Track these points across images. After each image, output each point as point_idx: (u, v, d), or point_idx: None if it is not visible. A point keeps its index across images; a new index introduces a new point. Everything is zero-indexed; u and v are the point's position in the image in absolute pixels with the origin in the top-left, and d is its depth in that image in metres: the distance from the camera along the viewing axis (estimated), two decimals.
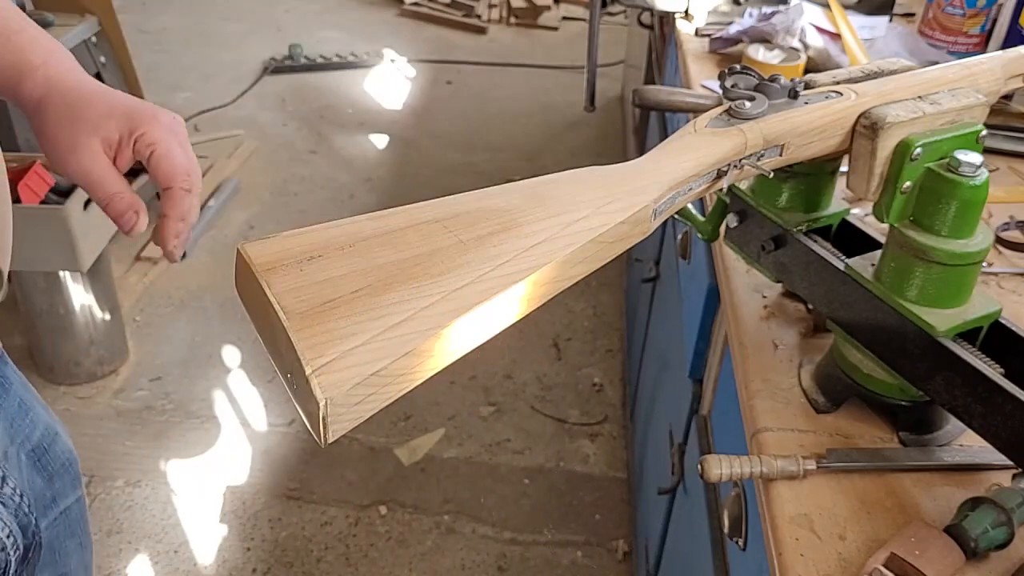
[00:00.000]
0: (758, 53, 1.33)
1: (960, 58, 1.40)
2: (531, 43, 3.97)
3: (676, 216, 0.98)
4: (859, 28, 1.40)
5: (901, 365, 0.69)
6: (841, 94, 0.66)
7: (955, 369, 0.65)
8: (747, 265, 0.92)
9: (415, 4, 4.19)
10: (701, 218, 0.92)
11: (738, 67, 0.68)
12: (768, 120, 0.63)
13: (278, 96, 3.35)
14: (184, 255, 0.73)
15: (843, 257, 0.73)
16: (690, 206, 0.95)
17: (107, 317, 1.95)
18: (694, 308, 1.14)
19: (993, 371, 0.63)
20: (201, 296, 2.29)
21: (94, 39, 2.14)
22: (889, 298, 0.69)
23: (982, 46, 1.41)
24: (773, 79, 0.65)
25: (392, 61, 3.69)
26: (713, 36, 1.41)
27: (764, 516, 0.67)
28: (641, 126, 2.41)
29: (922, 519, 0.64)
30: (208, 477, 1.77)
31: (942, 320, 0.67)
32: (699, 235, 0.92)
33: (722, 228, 0.91)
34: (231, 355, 2.11)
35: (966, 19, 1.38)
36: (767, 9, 1.39)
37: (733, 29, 1.36)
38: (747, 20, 1.37)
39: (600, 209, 0.53)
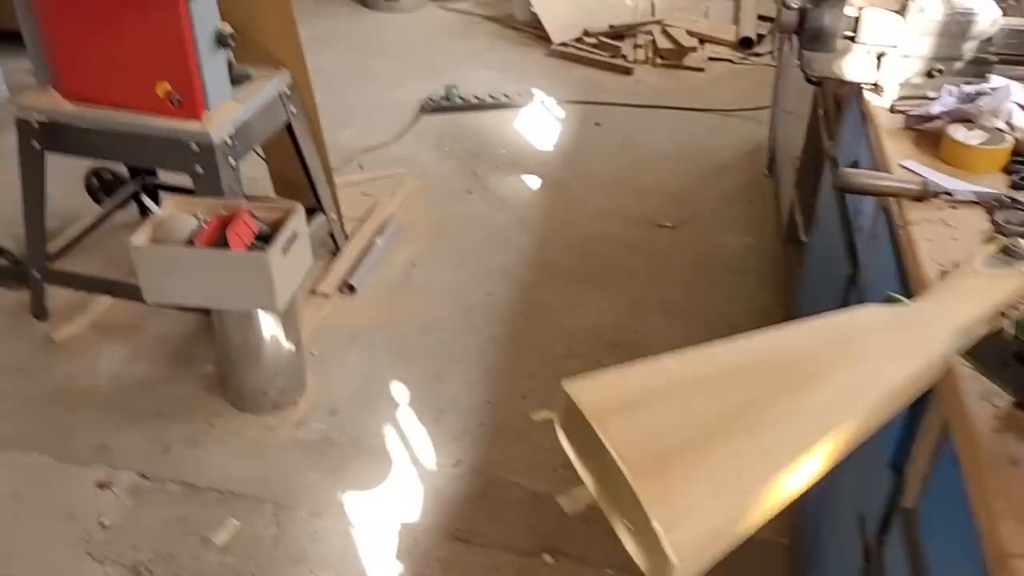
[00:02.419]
0: (958, 133, 1.32)
1: None
2: (677, 84, 3.99)
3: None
4: None
5: None
6: None
7: None
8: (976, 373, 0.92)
9: (563, 45, 4.28)
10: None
11: (1006, 198, 0.69)
12: None
13: (435, 135, 3.50)
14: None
15: None
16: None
17: (291, 350, 2.10)
18: None
19: None
20: (370, 332, 2.42)
21: (288, 91, 2.31)
22: None
23: None
24: None
25: (542, 102, 3.78)
26: (910, 113, 1.41)
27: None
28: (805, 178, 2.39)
29: None
30: (383, 512, 1.87)
31: None
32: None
33: None
34: (400, 392, 2.22)
35: None
36: (969, 88, 1.37)
37: (935, 108, 1.35)
38: (948, 99, 1.36)
39: (896, 360, 0.56)
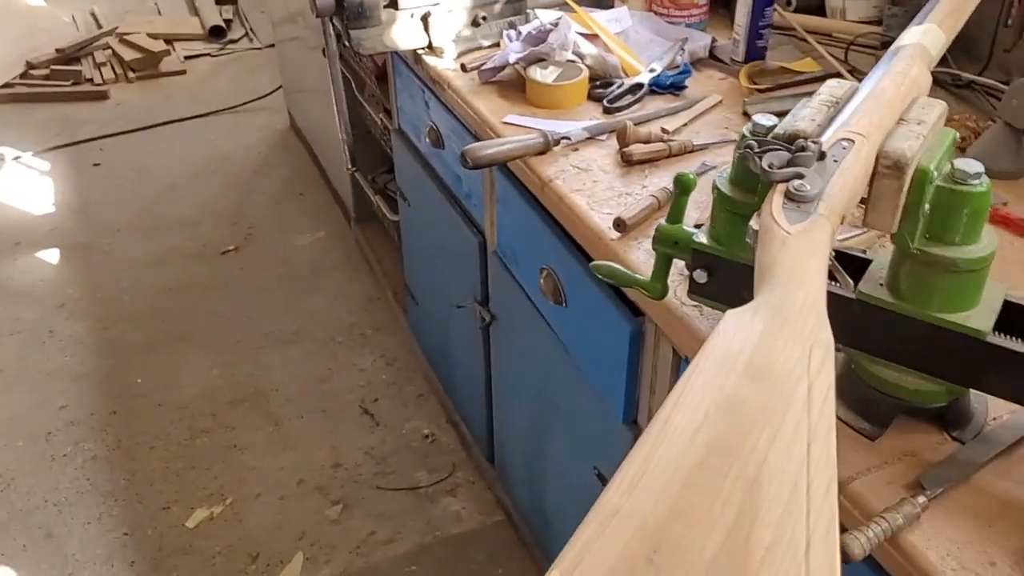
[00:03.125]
0: (537, 74, 1.31)
1: (699, 28, 1.50)
2: (164, 94, 3.58)
3: (610, 282, 0.93)
4: (606, 24, 1.43)
5: (951, 373, 0.72)
6: (853, 142, 0.64)
7: (1010, 362, 0.69)
8: (707, 311, 0.90)
9: (7, 87, 3.55)
10: (643, 278, 0.88)
11: (755, 145, 0.63)
12: (831, 195, 0.60)
13: None
14: None
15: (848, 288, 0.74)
16: (622, 267, 0.91)
17: None
18: (607, 355, 1.10)
19: None
20: None
21: None
22: (923, 315, 0.71)
23: (709, 10, 1.51)
24: (801, 147, 0.62)
25: (15, 159, 3.11)
26: (482, 68, 1.35)
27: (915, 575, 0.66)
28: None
29: None
30: None
31: (981, 321, 0.70)
32: (647, 294, 0.88)
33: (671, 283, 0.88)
34: None
35: None
36: (528, 28, 1.36)
37: (511, 57, 1.31)
38: (515, 45, 1.34)
39: (809, 371, 0.47)
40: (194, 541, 1.77)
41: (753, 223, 0.60)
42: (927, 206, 0.67)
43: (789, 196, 0.60)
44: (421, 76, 1.54)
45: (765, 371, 0.47)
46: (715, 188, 0.79)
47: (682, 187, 0.83)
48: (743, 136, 0.72)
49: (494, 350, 1.58)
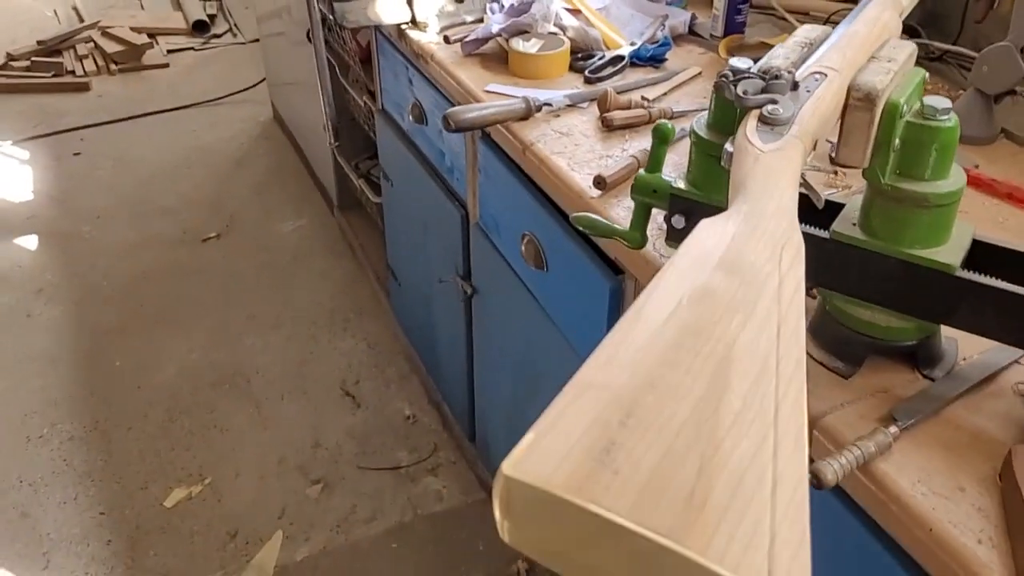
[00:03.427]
0: (519, 45, 1.32)
1: (680, 6, 1.51)
2: (147, 87, 3.57)
3: (590, 233, 0.94)
4: (589, 0, 1.45)
5: (921, 309, 0.73)
6: (825, 75, 0.66)
7: (979, 296, 0.70)
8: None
9: None
10: (621, 228, 0.89)
11: (730, 74, 0.65)
12: (803, 119, 0.61)
13: None
14: None
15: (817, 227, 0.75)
16: (601, 218, 0.92)
17: None
18: (588, 315, 1.12)
19: (1015, 286, 0.69)
20: None
21: None
22: (895, 251, 0.72)
23: None
24: (775, 76, 0.63)
25: None
26: (465, 40, 1.37)
27: (890, 502, 0.67)
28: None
29: (1017, 441, 0.69)
30: None
31: (951, 256, 0.71)
32: (626, 244, 0.89)
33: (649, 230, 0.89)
34: None
35: None
36: (512, 1, 1.37)
37: (493, 28, 1.32)
38: (498, 17, 1.35)
39: (780, 268, 0.48)
40: (172, 520, 1.76)
41: (728, 146, 0.61)
42: (897, 141, 0.69)
43: (763, 120, 0.61)
44: (404, 52, 1.55)
45: (737, 265, 0.48)
46: (692, 132, 0.81)
47: (661, 136, 0.85)
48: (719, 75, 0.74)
49: (476, 324, 1.59)
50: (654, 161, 0.85)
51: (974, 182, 1.02)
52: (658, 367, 0.41)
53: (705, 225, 0.52)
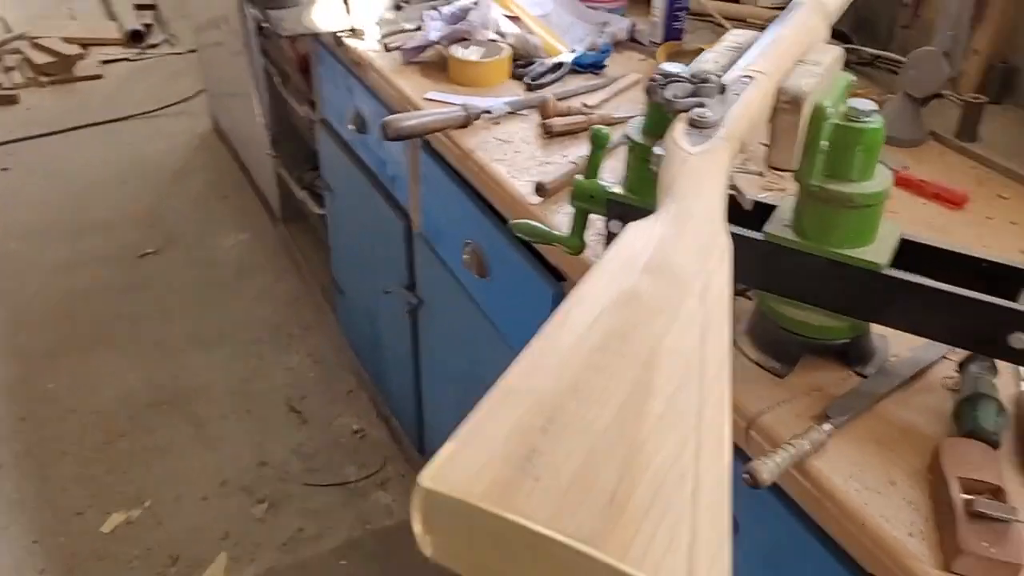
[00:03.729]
0: (459, 52, 1.32)
1: (619, 14, 1.52)
2: (79, 99, 3.48)
3: (529, 240, 0.93)
4: (528, 7, 1.45)
5: (852, 308, 0.74)
6: (752, 78, 0.66)
7: (907, 294, 0.71)
8: None
9: None
10: (560, 234, 0.89)
11: (660, 78, 0.65)
12: (731, 121, 0.61)
13: None
14: None
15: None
16: (541, 225, 0.92)
17: None
18: (532, 322, 1.10)
19: (942, 284, 0.70)
20: None
21: None
22: (825, 251, 0.73)
23: None
24: (703, 79, 0.64)
25: None
26: (404, 47, 1.36)
27: (825, 499, 0.68)
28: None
29: (945, 435, 0.70)
30: None
31: (878, 255, 0.73)
32: (566, 250, 0.89)
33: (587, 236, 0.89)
34: None
35: None
36: (451, 9, 1.36)
37: (431, 35, 1.31)
38: (437, 23, 1.34)
39: (706, 269, 0.48)
40: (109, 546, 1.71)
41: (657, 149, 0.61)
42: (825, 143, 0.70)
43: (691, 123, 0.61)
44: (343, 60, 1.53)
45: (663, 268, 0.47)
46: (627, 138, 0.81)
47: (597, 141, 0.85)
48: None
49: (422, 334, 1.57)
50: (591, 167, 0.85)
51: (903, 183, 1.04)
52: (582, 371, 0.41)
53: (633, 227, 0.52)
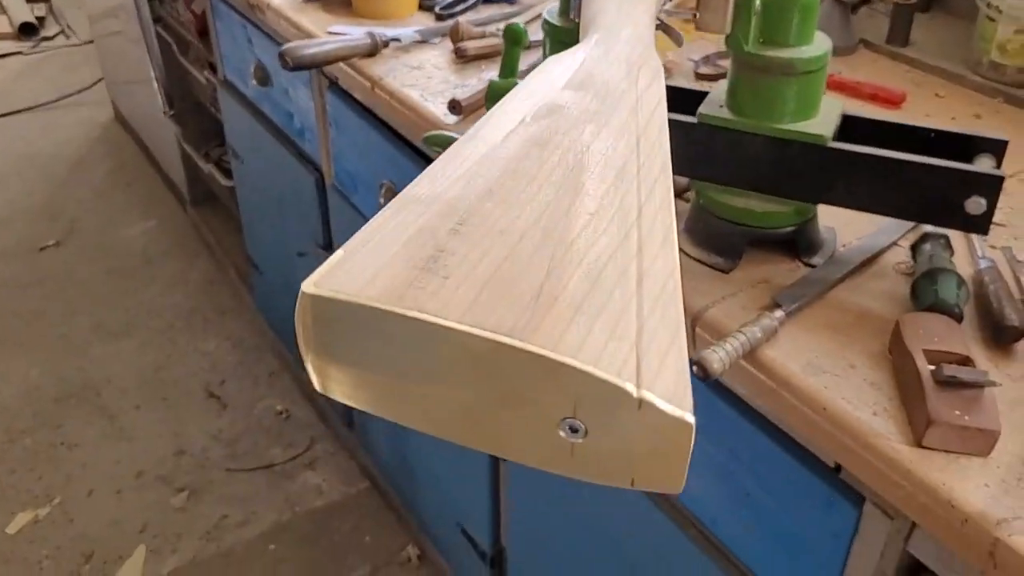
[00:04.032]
0: None
1: None
2: None
3: (436, 149, 0.86)
4: None
5: (796, 188, 0.69)
6: None
7: (853, 167, 0.66)
8: None
9: None
10: None
11: None
12: None
13: None
14: None
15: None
16: (456, 134, 0.84)
17: None
18: None
19: (894, 152, 0.65)
20: None
21: None
22: (764, 128, 0.67)
23: None
24: None
25: None
26: None
27: (780, 388, 0.62)
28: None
29: (904, 312, 0.65)
30: None
31: (822, 128, 0.67)
32: None
33: None
34: None
35: None
36: None
37: None
38: None
39: (637, 87, 0.41)
40: (16, 547, 1.57)
41: None
42: (758, 4, 0.64)
43: None
44: (239, 8, 1.43)
45: (588, 84, 0.40)
46: (545, 22, 0.74)
47: (513, 37, 0.78)
48: None
49: None
50: (508, 65, 0.78)
51: (838, 86, 1.00)
52: (498, 177, 0.33)
53: (552, 59, 0.45)
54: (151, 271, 2.30)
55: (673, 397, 0.25)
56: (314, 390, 1.25)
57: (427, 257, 0.28)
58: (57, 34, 3.78)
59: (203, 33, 1.84)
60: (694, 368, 0.60)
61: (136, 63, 2.30)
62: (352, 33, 1.15)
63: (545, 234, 0.30)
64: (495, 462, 1.13)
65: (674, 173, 0.64)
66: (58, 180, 2.71)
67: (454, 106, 0.94)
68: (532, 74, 0.43)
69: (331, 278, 0.27)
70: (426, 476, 1.42)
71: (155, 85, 1.67)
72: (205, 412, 1.87)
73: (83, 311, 2.16)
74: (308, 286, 0.27)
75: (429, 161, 0.97)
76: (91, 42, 3.27)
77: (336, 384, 0.29)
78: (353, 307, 0.26)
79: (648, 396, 0.24)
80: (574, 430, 0.25)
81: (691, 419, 0.24)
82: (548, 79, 0.41)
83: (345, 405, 1.34)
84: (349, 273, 0.27)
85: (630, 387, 0.24)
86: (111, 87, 2.97)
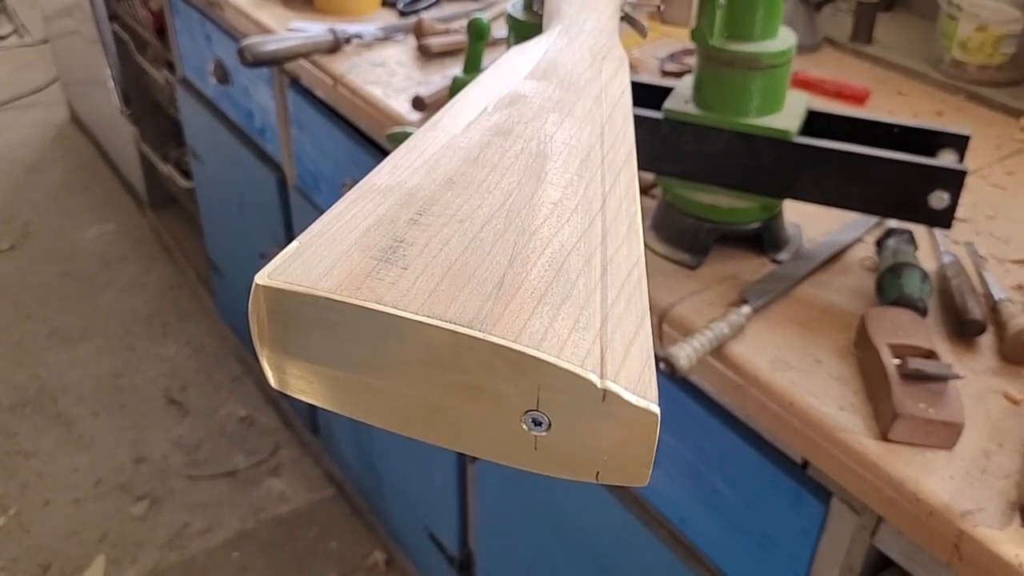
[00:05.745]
0: None
1: None
2: None
3: None
4: None
5: (762, 183, 0.69)
6: None
7: (818, 162, 0.66)
8: None
9: None
10: None
11: None
12: None
13: None
14: None
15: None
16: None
17: None
18: None
19: (859, 146, 0.65)
20: None
21: None
22: (730, 123, 0.67)
23: None
24: None
25: None
26: None
27: (748, 384, 0.62)
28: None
29: (869, 307, 0.65)
30: None
31: (787, 123, 0.67)
32: None
33: None
34: None
35: None
36: None
37: None
38: None
39: (601, 77, 0.40)
40: None
41: None
42: None
43: None
44: (198, 5, 1.40)
45: (551, 73, 0.39)
46: (509, 18, 0.73)
47: (476, 32, 0.77)
48: None
49: None
50: (472, 59, 0.77)
51: (803, 83, 1.00)
52: (459, 167, 0.32)
53: (514, 49, 0.44)
54: (109, 275, 2.26)
55: (638, 388, 0.24)
56: (278, 395, 1.22)
57: (386, 247, 0.27)
58: (11, 33, 3.69)
59: (161, 31, 1.80)
60: (661, 365, 0.60)
61: (92, 63, 2.25)
62: (313, 29, 1.14)
63: (507, 223, 0.29)
64: (462, 466, 1.12)
65: (640, 169, 0.64)
66: (12, 183, 2.65)
67: (418, 103, 0.93)
68: (494, 64, 0.42)
69: (286, 269, 0.26)
70: (392, 481, 1.40)
71: (111, 84, 1.63)
72: (165, 419, 1.83)
73: (37, 316, 2.11)
74: (262, 278, 0.26)
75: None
76: (46, 41, 3.20)
77: (293, 380, 0.28)
78: (309, 299, 0.25)
79: (612, 387, 0.23)
80: (537, 423, 0.24)
81: (656, 409, 0.24)
82: (511, 69, 0.40)
83: (310, 410, 1.31)
84: (305, 264, 0.26)
85: (594, 378, 0.23)
86: (67, 87, 2.90)
